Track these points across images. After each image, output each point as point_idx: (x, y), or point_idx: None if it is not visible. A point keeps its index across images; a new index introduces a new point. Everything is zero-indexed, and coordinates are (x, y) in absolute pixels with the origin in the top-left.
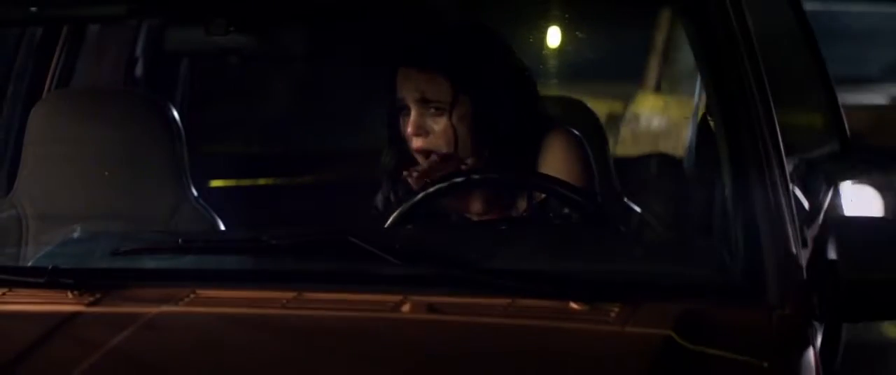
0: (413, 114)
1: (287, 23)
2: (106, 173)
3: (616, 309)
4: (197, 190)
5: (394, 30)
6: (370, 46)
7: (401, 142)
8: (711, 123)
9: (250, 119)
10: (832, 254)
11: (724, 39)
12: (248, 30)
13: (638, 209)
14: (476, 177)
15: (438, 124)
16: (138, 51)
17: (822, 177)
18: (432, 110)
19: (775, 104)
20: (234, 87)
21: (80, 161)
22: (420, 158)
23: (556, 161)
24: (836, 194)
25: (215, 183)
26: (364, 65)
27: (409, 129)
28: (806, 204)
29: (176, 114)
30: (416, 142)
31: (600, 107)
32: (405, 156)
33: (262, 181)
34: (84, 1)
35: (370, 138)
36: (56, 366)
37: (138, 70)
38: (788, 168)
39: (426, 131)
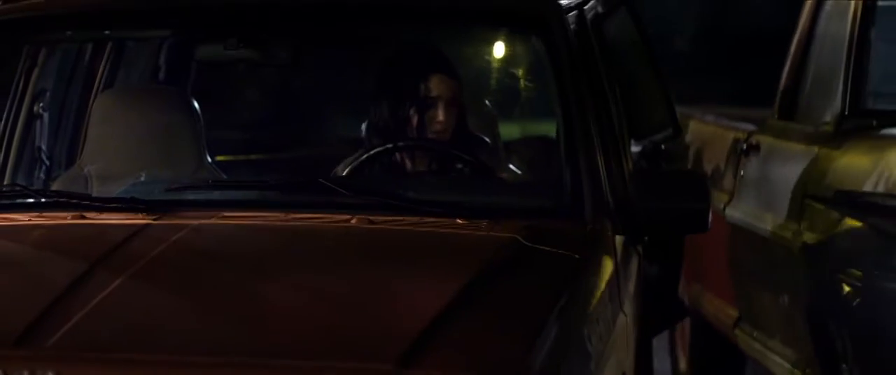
0: (443, 105)
1: (278, 41)
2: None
3: (485, 223)
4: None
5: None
6: (335, 62)
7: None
8: None
9: (244, 110)
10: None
11: (564, 54)
12: (252, 45)
13: (514, 168)
14: (399, 144)
15: (451, 114)
16: (161, 60)
17: (662, 153)
18: (450, 105)
19: (628, 102)
20: (235, 87)
21: (128, 136)
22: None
23: None
24: (670, 163)
25: (220, 157)
26: (329, 74)
27: (441, 117)
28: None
29: (195, 104)
30: (439, 126)
31: None
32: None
33: (252, 156)
34: (140, 26)
35: (331, 126)
36: (140, 250)
37: (161, 74)
38: (638, 147)
39: (446, 116)
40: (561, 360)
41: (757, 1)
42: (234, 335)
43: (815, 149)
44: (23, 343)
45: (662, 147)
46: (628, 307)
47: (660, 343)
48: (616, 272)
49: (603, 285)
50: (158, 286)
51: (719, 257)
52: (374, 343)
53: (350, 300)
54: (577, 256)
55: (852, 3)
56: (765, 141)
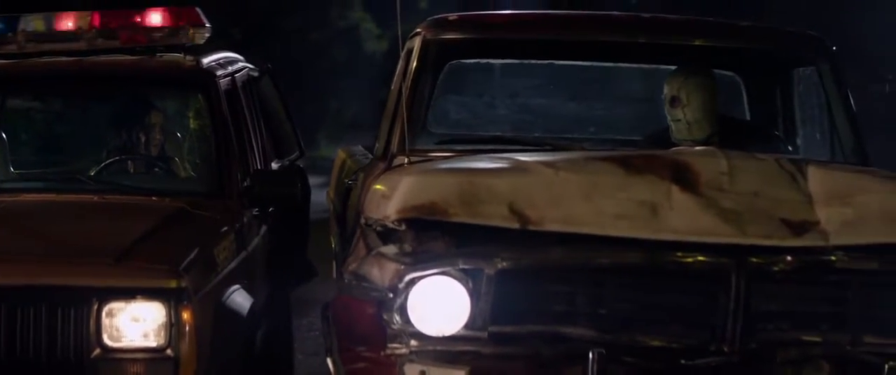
0: (157, 131)
1: (55, 96)
2: None
3: (168, 199)
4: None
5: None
6: (89, 108)
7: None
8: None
9: (33, 139)
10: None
11: (216, 104)
12: (39, 99)
13: (191, 171)
14: (125, 157)
15: (159, 138)
16: None
17: (294, 166)
18: (159, 132)
19: (274, 136)
20: (27, 125)
21: None
22: (153, 146)
23: None
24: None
25: (17, 170)
26: (86, 116)
27: (157, 139)
28: None
29: (4, 135)
30: (155, 143)
31: None
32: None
33: (37, 170)
34: None
35: (87, 147)
36: None
37: None
38: (278, 164)
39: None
40: (199, 264)
41: None
42: (30, 246)
43: (368, 182)
44: None
45: (298, 163)
46: (252, 249)
47: None
48: (240, 227)
49: (230, 233)
50: None
51: None
52: (102, 250)
53: (89, 232)
54: (217, 217)
55: (409, 63)
56: (359, 176)
